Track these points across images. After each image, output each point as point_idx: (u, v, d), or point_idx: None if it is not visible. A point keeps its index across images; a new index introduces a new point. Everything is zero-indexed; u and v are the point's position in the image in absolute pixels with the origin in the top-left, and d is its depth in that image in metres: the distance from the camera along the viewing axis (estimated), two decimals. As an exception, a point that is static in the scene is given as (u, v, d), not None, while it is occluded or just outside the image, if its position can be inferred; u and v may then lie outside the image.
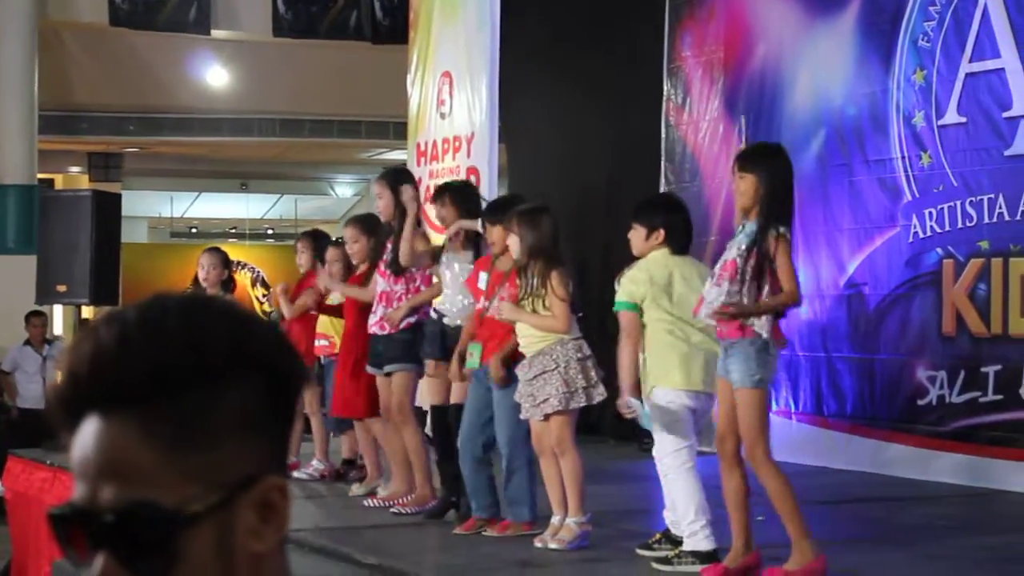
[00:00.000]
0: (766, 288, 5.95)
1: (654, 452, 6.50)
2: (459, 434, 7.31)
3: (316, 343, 9.30)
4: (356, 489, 8.75)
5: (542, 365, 6.75)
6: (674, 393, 6.42)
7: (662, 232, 6.57)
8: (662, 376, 6.41)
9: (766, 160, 6.23)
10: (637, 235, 6.64)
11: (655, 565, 6.35)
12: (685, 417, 6.43)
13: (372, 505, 8.23)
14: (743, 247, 5.99)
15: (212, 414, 1.32)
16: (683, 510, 6.33)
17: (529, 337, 6.84)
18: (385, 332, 7.97)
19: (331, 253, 9.36)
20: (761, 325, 5.93)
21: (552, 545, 6.73)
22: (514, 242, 6.90)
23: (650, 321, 6.47)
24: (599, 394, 6.83)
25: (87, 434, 1.33)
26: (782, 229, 5.98)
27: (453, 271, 7.66)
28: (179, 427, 1.31)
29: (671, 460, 6.38)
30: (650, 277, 6.49)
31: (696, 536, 6.29)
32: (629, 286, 6.53)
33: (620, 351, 6.52)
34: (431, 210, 11.79)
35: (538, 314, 6.80)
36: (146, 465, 1.31)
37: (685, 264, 6.62)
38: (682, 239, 6.66)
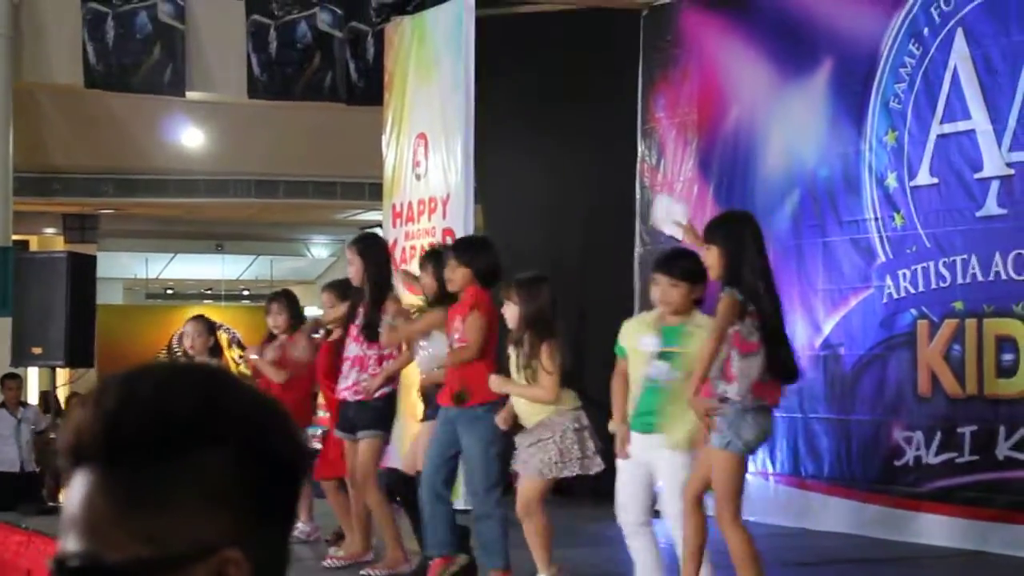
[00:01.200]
0: (733, 353, 5.98)
1: (670, 508, 6.42)
2: (422, 472, 7.30)
3: (319, 413, 9.31)
4: (333, 552, 8.72)
5: (538, 435, 6.76)
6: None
7: (701, 287, 6.51)
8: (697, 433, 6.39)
9: (726, 229, 6.26)
10: (680, 291, 6.46)
11: None
12: None
13: (331, 565, 8.19)
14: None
15: (169, 481, 1.35)
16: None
17: (528, 408, 6.83)
18: (358, 399, 7.97)
19: (325, 297, 9.35)
20: (734, 391, 5.96)
21: None
22: (511, 311, 6.89)
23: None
24: (596, 465, 6.82)
25: (72, 486, 1.39)
26: (733, 290, 6.00)
27: (438, 346, 7.66)
28: (133, 489, 1.35)
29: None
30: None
31: None
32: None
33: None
34: (407, 269, 11.91)
35: (527, 385, 6.79)
36: (100, 521, 1.36)
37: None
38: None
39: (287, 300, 9.80)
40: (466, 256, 7.28)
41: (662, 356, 6.46)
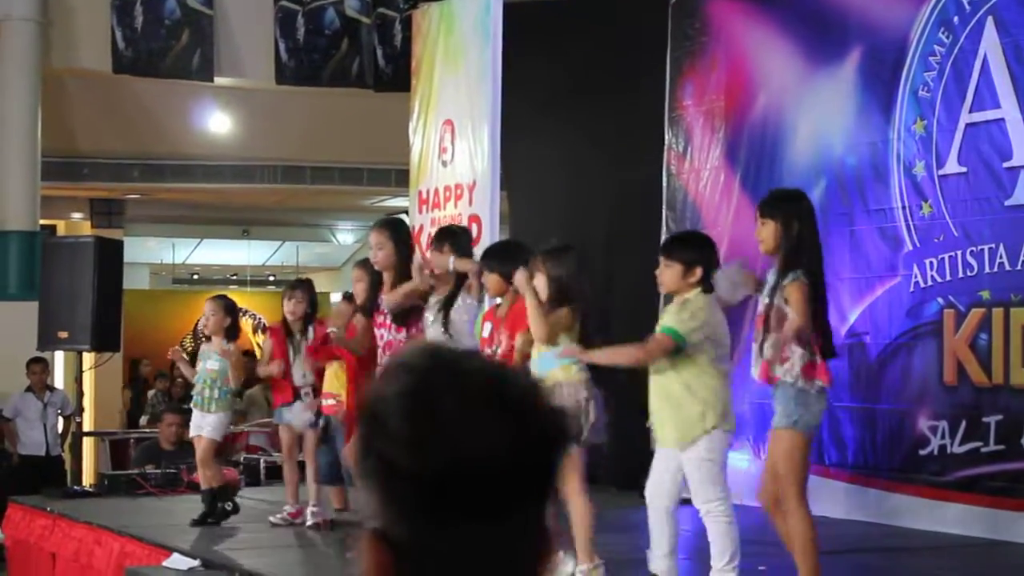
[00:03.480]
0: (793, 341, 5.97)
1: (696, 494, 6.40)
2: None
3: (323, 402, 9.28)
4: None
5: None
6: (724, 436, 6.40)
7: (699, 270, 6.48)
8: (720, 419, 6.36)
9: (786, 205, 6.23)
10: (671, 272, 6.49)
11: None
12: (726, 461, 6.46)
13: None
14: (767, 299, 6.02)
15: None
16: (729, 553, 6.29)
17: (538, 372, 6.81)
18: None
19: (342, 307, 9.39)
20: (785, 371, 5.94)
21: None
22: (541, 282, 6.85)
23: (700, 366, 6.39)
24: (596, 437, 6.77)
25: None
26: (799, 273, 5.98)
27: (461, 313, 7.64)
28: None
29: (720, 504, 6.33)
30: (705, 322, 6.42)
31: None
32: (690, 323, 6.41)
33: (623, 350, 6.46)
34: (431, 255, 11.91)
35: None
36: None
37: (717, 305, 6.56)
38: (711, 279, 6.60)
39: (307, 290, 9.80)
40: (495, 263, 7.24)
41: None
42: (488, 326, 7.28)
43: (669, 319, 6.43)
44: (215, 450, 9.85)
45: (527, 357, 6.93)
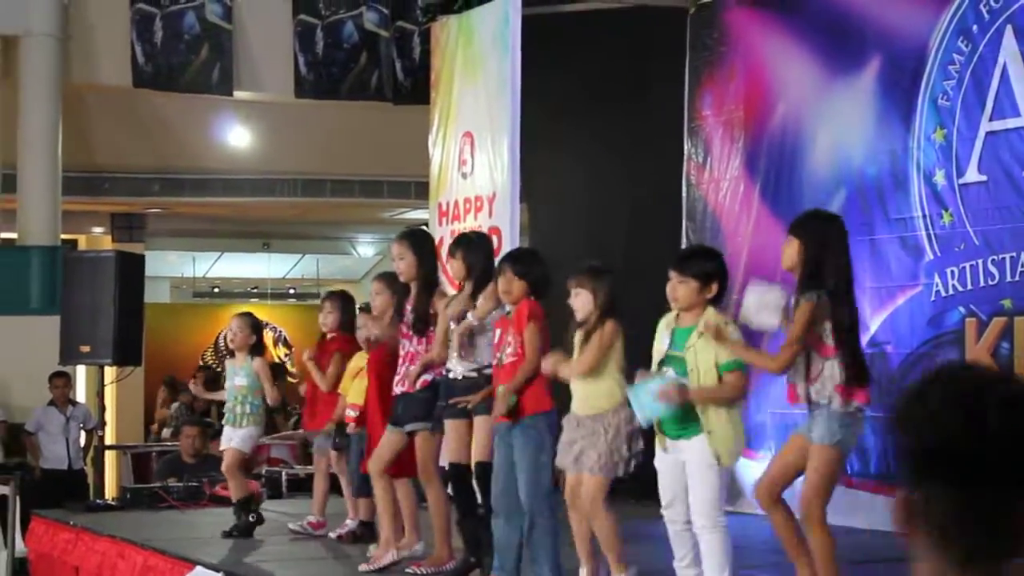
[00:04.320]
0: (814, 354, 5.96)
1: (695, 509, 6.39)
2: (492, 491, 7.28)
3: (346, 412, 9.27)
4: (373, 549, 8.75)
5: (591, 427, 6.73)
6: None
7: (716, 285, 6.46)
8: (736, 450, 6.37)
9: (813, 225, 6.23)
10: (688, 288, 6.43)
11: None
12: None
13: (369, 569, 8.17)
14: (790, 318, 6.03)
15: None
16: (719, 570, 6.29)
17: (585, 397, 6.81)
18: (404, 390, 7.98)
19: (361, 319, 9.39)
20: (817, 391, 5.94)
21: None
22: (581, 300, 6.85)
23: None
24: (635, 465, 6.80)
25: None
26: (814, 295, 5.97)
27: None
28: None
29: (717, 520, 6.33)
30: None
31: None
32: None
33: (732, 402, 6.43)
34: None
35: (573, 362, 6.76)
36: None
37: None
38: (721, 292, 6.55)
39: (341, 301, 9.81)
40: (522, 268, 7.26)
41: (668, 359, 6.44)
42: (498, 332, 7.29)
43: (727, 353, 6.34)
44: (241, 462, 9.88)
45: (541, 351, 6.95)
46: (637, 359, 6.79)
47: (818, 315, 5.99)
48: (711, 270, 6.45)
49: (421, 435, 7.92)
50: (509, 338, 7.15)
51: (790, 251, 6.13)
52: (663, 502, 6.56)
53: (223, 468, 9.79)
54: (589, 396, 6.80)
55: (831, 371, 5.99)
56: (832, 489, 6.07)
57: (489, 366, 7.41)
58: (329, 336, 9.75)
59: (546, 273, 7.28)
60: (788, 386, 6.13)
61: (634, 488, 10.69)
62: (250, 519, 9.72)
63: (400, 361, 8.07)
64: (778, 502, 6.20)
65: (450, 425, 7.68)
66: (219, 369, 19.91)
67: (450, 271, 7.96)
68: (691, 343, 6.36)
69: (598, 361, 6.72)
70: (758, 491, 6.28)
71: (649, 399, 6.29)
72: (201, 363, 22.47)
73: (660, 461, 6.52)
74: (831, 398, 5.96)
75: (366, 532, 9.37)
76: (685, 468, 6.39)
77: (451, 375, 7.63)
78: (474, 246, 7.78)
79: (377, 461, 8.05)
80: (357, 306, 9.85)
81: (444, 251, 12.17)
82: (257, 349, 9.88)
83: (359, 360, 9.31)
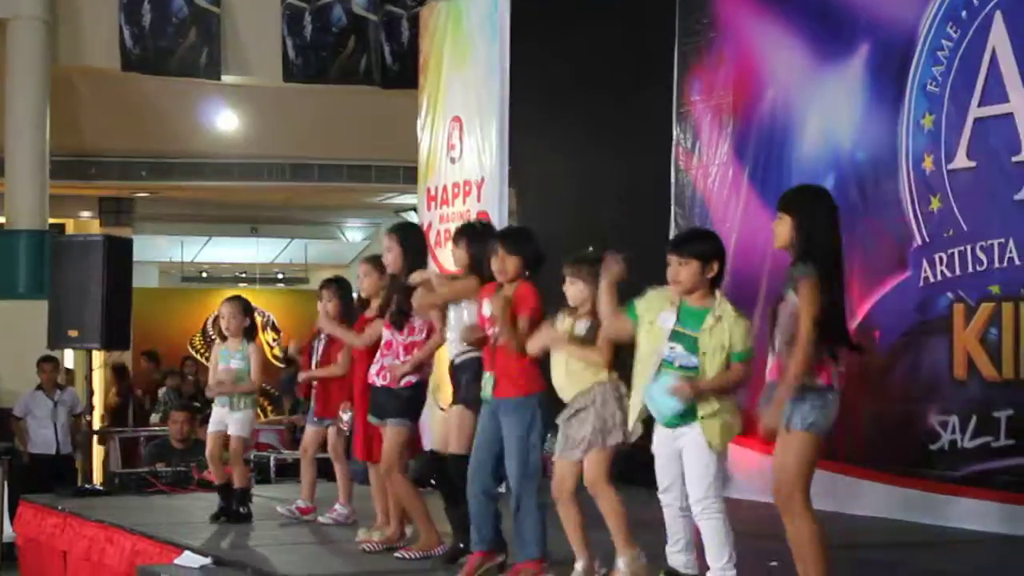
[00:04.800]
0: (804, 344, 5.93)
1: (693, 494, 6.38)
2: (469, 466, 7.28)
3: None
4: (362, 534, 8.75)
5: (576, 406, 6.73)
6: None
7: (716, 265, 6.45)
8: (730, 430, 6.37)
9: (804, 202, 6.19)
10: (690, 269, 6.39)
11: None
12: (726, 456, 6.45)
13: (369, 549, 8.21)
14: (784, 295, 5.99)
15: None
16: (726, 554, 6.28)
17: (568, 380, 6.80)
18: (385, 383, 7.99)
19: (363, 268, 9.33)
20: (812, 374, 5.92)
21: None
22: (575, 289, 6.84)
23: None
24: (636, 433, 6.77)
25: None
26: (810, 268, 5.92)
27: (473, 315, 7.62)
28: None
29: (718, 504, 6.33)
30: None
31: None
32: (749, 334, 6.37)
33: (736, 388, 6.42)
34: (441, 254, 11.92)
35: (581, 348, 6.75)
36: None
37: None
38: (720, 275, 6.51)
39: (338, 287, 9.79)
40: (515, 245, 7.25)
41: (675, 336, 6.40)
42: (487, 305, 7.25)
43: (743, 343, 6.33)
44: (245, 448, 9.87)
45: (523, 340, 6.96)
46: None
47: (821, 288, 5.94)
48: (710, 250, 6.44)
49: (396, 429, 7.94)
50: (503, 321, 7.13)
51: (782, 229, 6.08)
52: (660, 486, 6.56)
53: (230, 459, 9.71)
54: (573, 373, 6.80)
55: (821, 352, 5.96)
56: (812, 474, 6.04)
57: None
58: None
59: (539, 249, 7.27)
60: (776, 362, 6.06)
61: (624, 473, 10.73)
62: (240, 511, 9.71)
63: (380, 351, 8.08)
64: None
65: (450, 412, 7.69)
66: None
67: (452, 259, 7.94)
68: (707, 325, 6.33)
69: (608, 360, 6.73)
70: (778, 500, 6.19)
71: (664, 397, 6.29)
72: (190, 347, 22.47)
73: (658, 446, 6.51)
74: (813, 379, 5.94)
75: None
76: (682, 454, 6.38)
77: (456, 360, 7.64)
78: (479, 236, 7.76)
79: (389, 462, 8.02)
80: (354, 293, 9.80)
81: (432, 236, 12.27)
82: (250, 333, 9.85)
83: None
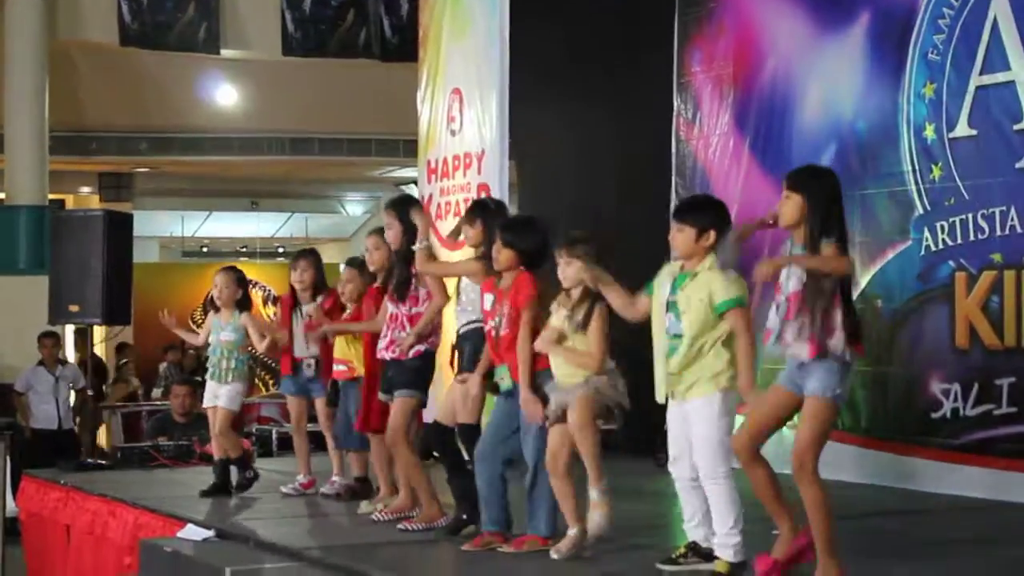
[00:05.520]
0: (831, 307, 5.94)
1: (699, 458, 6.38)
2: (478, 446, 7.29)
3: (334, 367, 9.26)
4: (365, 506, 8.75)
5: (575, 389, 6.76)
6: (736, 397, 6.40)
7: (713, 233, 6.44)
8: (734, 383, 6.35)
9: (813, 181, 6.19)
10: (685, 236, 6.41)
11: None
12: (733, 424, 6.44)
13: (379, 519, 8.21)
14: (804, 278, 5.97)
15: None
16: (733, 518, 6.29)
17: (567, 370, 6.80)
18: (394, 356, 7.98)
19: (346, 274, 9.37)
20: (834, 346, 5.92)
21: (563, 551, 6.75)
22: (569, 271, 6.83)
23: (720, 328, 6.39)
24: (619, 417, 6.79)
25: None
26: (833, 240, 5.94)
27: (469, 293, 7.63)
28: None
29: (724, 469, 6.33)
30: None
31: (742, 547, 6.26)
32: (737, 285, 6.34)
33: (746, 347, 6.39)
34: (442, 227, 11.90)
35: (575, 351, 6.77)
36: None
37: None
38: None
39: (313, 259, 9.78)
40: (512, 237, 7.23)
41: (669, 306, 6.43)
42: (489, 298, 7.27)
43: (725, 292, 6.33)
44: (232, 421, 9.87)
45: (535, 331, 6.93)
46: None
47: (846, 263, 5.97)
48: (707, 219, 6.43)
49: (402, 400, 7.93)
50: (504, 310, 7.12)
51: (790, 208, 6.08)
52: (670, 456, 6.57)
53: (216, 430, 9.74)
54: (569, 371, 6.80)
55: (842, 323, 5.97)
56: (824, 442, 6.06)
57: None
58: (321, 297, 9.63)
59: (541, 243, 7.21)
60: (812, 341, 6.03)
61: (631, 443, 10.77)
62: (246, 475, 9.72)
63: (386, 325, 8.08)
64: (758, 457, 6.17)
65: (456, 383, 7.68)
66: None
67: (465, 237, 7.91)
68: (683, 286, 6.37)
69: (603, 349, 6.73)
70: (737, 446, 6.24)
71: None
72: (191, 322, 22.47)
73: (670, 412, 6.54)
74: (843, 350, 5.94)
75: (363, 487, 9.38)
76: (690, 422, 6.39)
77: (463, 330, 7.64)
78: (492, 215, 7.74)
79: (395, 432, 8.02)
80: (342, 262, 9.80)
81: (432, 209, 12.25)
82: (243, 304, 9.83)
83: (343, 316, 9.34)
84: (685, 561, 6.51)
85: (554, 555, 6.83)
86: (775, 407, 6.15)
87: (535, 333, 6.96)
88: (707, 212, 6.55)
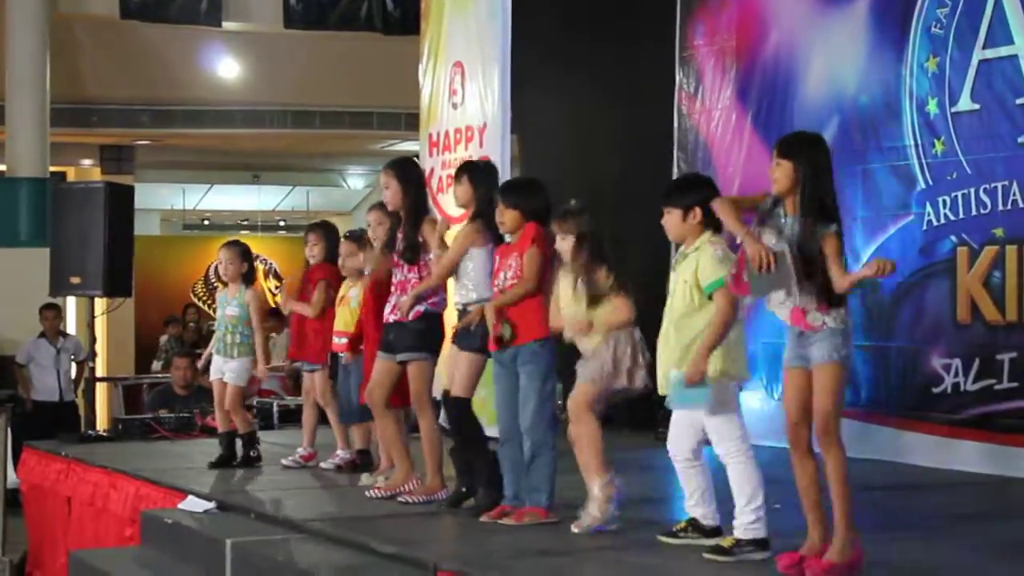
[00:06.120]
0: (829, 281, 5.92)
1: (714, 440, 6.38)
2: (500, 420, 7.28)
3: (334, 340, 9.26)
4: (366, 479, 8.75)
5: (596, 350, 6.76)
6: (740, 382, 6.38)
7: (698, 211, 6.43)
8: (731, 364, 6.33)
9: (803, 147, 6.15)
10: (672, 218, 6.43)
11: (708, 556, 6.23)
12: (739, 402, 6.42)
13: (374, 496, 8.17)
14: (794, 244, 5.93)
15: None
16: (747, 495, 6.27)
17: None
18: (396, 319, 7.95)
19: (344, 247, 9.37)
20: (833, 318, 5.90)
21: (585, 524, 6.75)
22: (566, 244, 6.86)
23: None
24: (641, 379, 6.77)
25: None
26: (834, 227, 5.91)
27: (478, 262, 7.60)
28: None
29: (738, 446, 6.32)
30: (727, 255, 6.31)
31: (756, 524, 6.24)
32: (725, 264, 6.27)
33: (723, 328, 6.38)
34: (443, 200, 11.89)
35: (610, 314, 6.77)
36: None
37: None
38: (717, 217, 6.41)
39: (325, 231, 9.77)
40: (513, 198, 7.24)
41: (671, 291, 6.46)
42: (497, 259, 7.28)
43: (713, 272, 6.32)
44: (242, 396, 9.87)
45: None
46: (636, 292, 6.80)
47: (842, 245, 5.94)
48: (689, 198, 6.43)
49: (415, 365, 7.90)
50: (510, 262, 7.14)
51: (781, 174, 6.04)
52: (668, 438, 6.56)
53: (227, 405, 9.72)
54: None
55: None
56: (842, 405, 6.03)
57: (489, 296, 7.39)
58: (312, 263, 9.66)
59: (542, 201, 7.24)
60: (795, 311, 6.01)
61: (632, 418, 10.77)
62: (250, 454, 9.74)
63: (392, 290, 8.05)
64: (809, 453, 6.08)
65: (456, 354, 7.66)
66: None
67: (454, 196, 7.91)
68: (677, 266, 6.39)
69: (630, 311, 6.75)
70: (791, 440, 6.17)
71: (687, 393, 6.30)
72: (192, 295, 22.50)
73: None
74: (846, 322, 5.93)
75: (364, 460, 9.39)
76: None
77: (464, 303, 7.62)
78: (481, 173, 7.75)
79: (378, 392, 8.02)
80: (342, 235, 9.78)
81: (434, 182, 12.24)
82: (249, 278, 9.83)
83: (344, 289, 9.33)
84: (685, 535, 6.51)
85: (576, 529, 6.84)
86: (799, 389, 6.08)
87: (543, 274, 7.02)
88: (688, 192, 6.55)
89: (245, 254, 9.84)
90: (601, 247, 6.86)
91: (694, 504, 6.56)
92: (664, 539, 6.55)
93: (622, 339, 6.75)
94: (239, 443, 9.80)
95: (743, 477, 6.28)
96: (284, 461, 9.75)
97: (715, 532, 6.44)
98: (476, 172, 7.77)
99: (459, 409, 7.62)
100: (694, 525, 6.52)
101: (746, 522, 6.25)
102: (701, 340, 6.26)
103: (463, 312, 7.63)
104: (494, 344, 7.19)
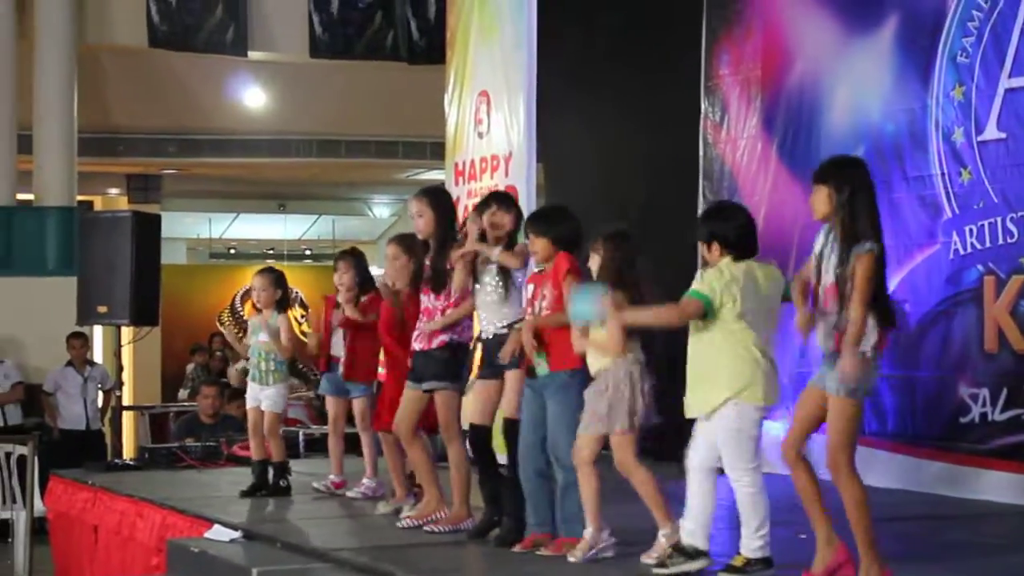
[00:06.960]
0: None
1: (725, 464, 6.38)
2: (520, 446, 7.27)
3: (379, 369, 9.21)
4: (381, 507, 8.75)
5: (596, 385, 6.76)
6: (756, 409, 6.36)
7: (715, 246, 6.42)
8: (743, 390, 6.32)
9: (840, 171, 6.16)
10: (703, 248, 6.54)
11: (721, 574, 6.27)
12: (759, 434, 6.41)
13: (405, 525, 8.15)
14: (835, 270, 5.95)
15: None
16: (754, 526, 6.27)
17: (592, 355, 6.83)
18: (422, 347, 7.96)
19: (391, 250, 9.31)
20: (864, 342, 5.90)
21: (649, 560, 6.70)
22: (596, 264, 6.89)
23: (725, 328, 6.34)
24: (643, 417, 6.78)
25: None
26: (868, 245, 5.91)
27: (486, 291, 7.62)
28: None
29: (750, 476, 6.31)
30: (732, 278, 6.34)
31: (763, 547, 6.26)
32: (714, 283, 6.31)
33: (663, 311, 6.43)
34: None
35: (595, 339, 6.79)
36: None
37: (759, 271, 6.42)
38: (740, 245, 6.44)
39: (354, 259, 9.78)
40: (542, 227, 7.25)
41: None
42: (531, 287, 7.29)
43: (695, 284, 6.41)
44: (279, 423, 9.86)
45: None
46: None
47: (877, 267, 5.93)
48: (704, 231, 6.48)
49: (442, 394, 7.90)
50: (545, 291, 7.13)
51: (820, 199, 6.06)
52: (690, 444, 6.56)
53: (265, 432, 9.70)
54: (594, 353, 6.84)
55: (872, 320, 5.95)
56: (857, 439, 6.03)
57: (519, 321, 7.38)
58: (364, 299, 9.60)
59: (572, 228, 7.25)
60: (836, 336, 6.01)
61: (657, 447, 10.71)
62: (280, 484, 9.74)
63: (420, 317, 8.05)
64: (800, 459, 6.16)
65: (478, 385, 7.67)
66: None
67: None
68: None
69: (619, 345, 6.74)
70: (783, 448, 6.25)
71: (588, 303, 6.48)
72: (218, 323, 22.54)
73: (697, 423, 6.54)
74: (871, 348, 5.92)
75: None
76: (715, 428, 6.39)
77: (483, 335, 7.63)
78: (507, 202, 7.78)
79: (404, 422, 8.03)
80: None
81: (460, 211, 12.25)
82: (283, 304, 9.82)
83: None
84: (671, 563, 6.49)
85: (571, 558, 6.83)
86: (811, 406, 6.14)
87: None
88: (706, 223, 6.61)
89: (279, 281, 9.84)
90: (621, 273, 6.85)
91: (693, 528, 6.51)
92: (655, 570, 6.52)
93: (621, 377, 6.73)
94: (271, 472, 9.80)
95: (750, 506, 6.31)
96: (315, 484, 9.76)
97: (697, 554, 6.42)
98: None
99: (476, 436, 7.63)
100: (677, 548, 6.50)
101: (753, 547, 6.27)
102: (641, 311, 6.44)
103: (488, 341, 7.63)
104: (526, 369, 7.20)
